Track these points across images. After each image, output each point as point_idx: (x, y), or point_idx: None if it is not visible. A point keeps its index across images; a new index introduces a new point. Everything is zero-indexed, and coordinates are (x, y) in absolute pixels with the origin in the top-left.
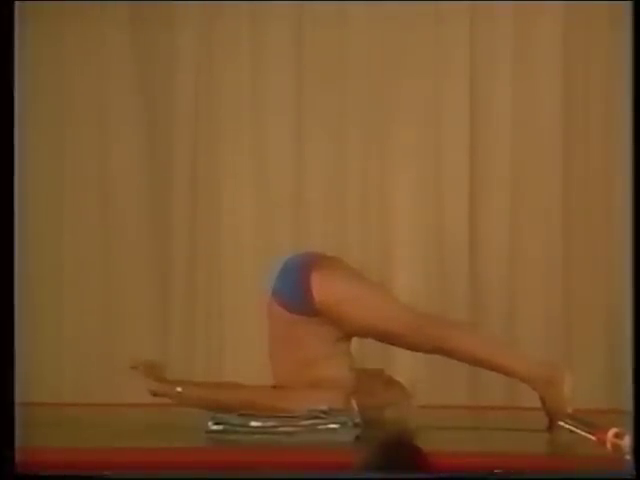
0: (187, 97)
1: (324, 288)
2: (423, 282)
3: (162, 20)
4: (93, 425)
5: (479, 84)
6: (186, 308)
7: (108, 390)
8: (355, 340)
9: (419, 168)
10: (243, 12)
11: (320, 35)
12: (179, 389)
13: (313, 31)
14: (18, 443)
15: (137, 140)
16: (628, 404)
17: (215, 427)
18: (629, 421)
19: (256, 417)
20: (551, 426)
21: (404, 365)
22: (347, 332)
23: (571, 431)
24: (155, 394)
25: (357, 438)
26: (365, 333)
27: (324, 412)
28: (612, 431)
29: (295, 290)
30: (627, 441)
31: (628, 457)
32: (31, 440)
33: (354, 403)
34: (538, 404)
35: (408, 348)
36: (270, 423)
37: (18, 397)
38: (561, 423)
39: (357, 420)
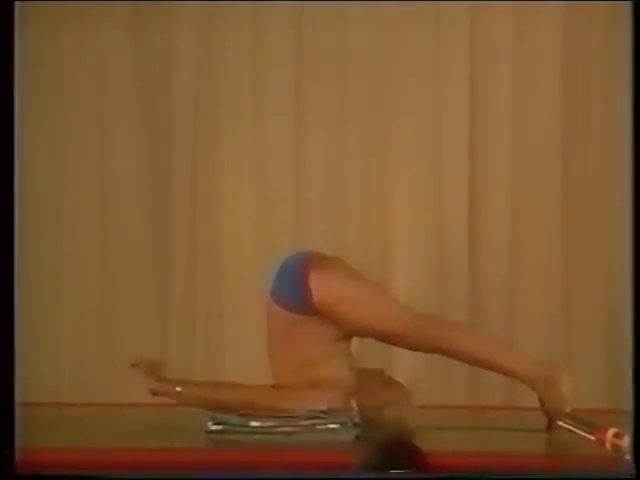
0: (187, 97)
1: (323, 287)
2: (423, 282)
3: (162, 20)
4: (93, 425)
5: (479, 84)
6: (186, 308)
7: (108, 390)
8: (355, 340)
9: (419, 168)
10: (243, 12)
11: (320, 35)
12: (179, 388)
13: (313, 31)
14: (18, 443)
15: (137, 140)
16: (628, 404)
17: (215, 427)
18: (629, 421)
19: (256, 417)
20: (550, 426)
21: (404, 365)
22: (346, 332)
23: (570, 431)
24: (155, 393)
25: (357, 438)
26: (364, 333)
27: (324, 412)
28: (612, 431)
29: (294, 289)
30: (626, 441)
31: (628, 457)
32: (31, 440)
33: (354, 403)
34: (537, 404)
35: (407, 348)
36: (270, 423)
37: (18, 397)
38: (560, 423)
39: (357, 420)
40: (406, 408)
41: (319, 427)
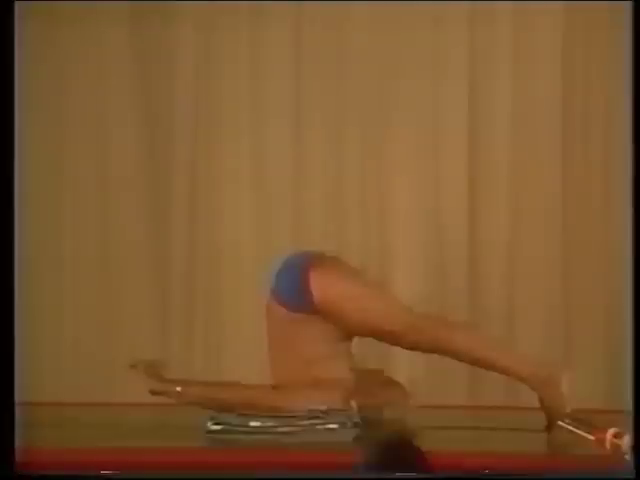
0: (186, 97)
1: (323, 287)
2: (423, 282)
3: (162, 20)
4: (93, 425)
5: (478, 84)
6: (186, 308)
7: (108, 390)
8: (355, 340)
9: (419, 168)
10: (243, 12)
11: (319, 35)
12: (179, 388)
13: (312, 31)
14: (18, 443)
15: (137, 140)
16: (628, 404)
17: (214, 427)
18: (629, 421)
19: (255, 417)
20: (550, 426)
21: (404, 365)
22: (346, 331)
23: (570, 431)
24: (155, 393)
25: (356, 438)
26: (364, 332)
27: (323, 412)
28: (611, 431)
29: (294, 289)
30: (626, 441)
31: (628, 457)
32: (31, 440)
33: (354, 403)
34: (537, 404)
35: (407, 347)
36: (269, 423)
37: (18, 397)
38: (560, 423)
39: (356, 420)
40: (406, 408)
41: (319, 427)
